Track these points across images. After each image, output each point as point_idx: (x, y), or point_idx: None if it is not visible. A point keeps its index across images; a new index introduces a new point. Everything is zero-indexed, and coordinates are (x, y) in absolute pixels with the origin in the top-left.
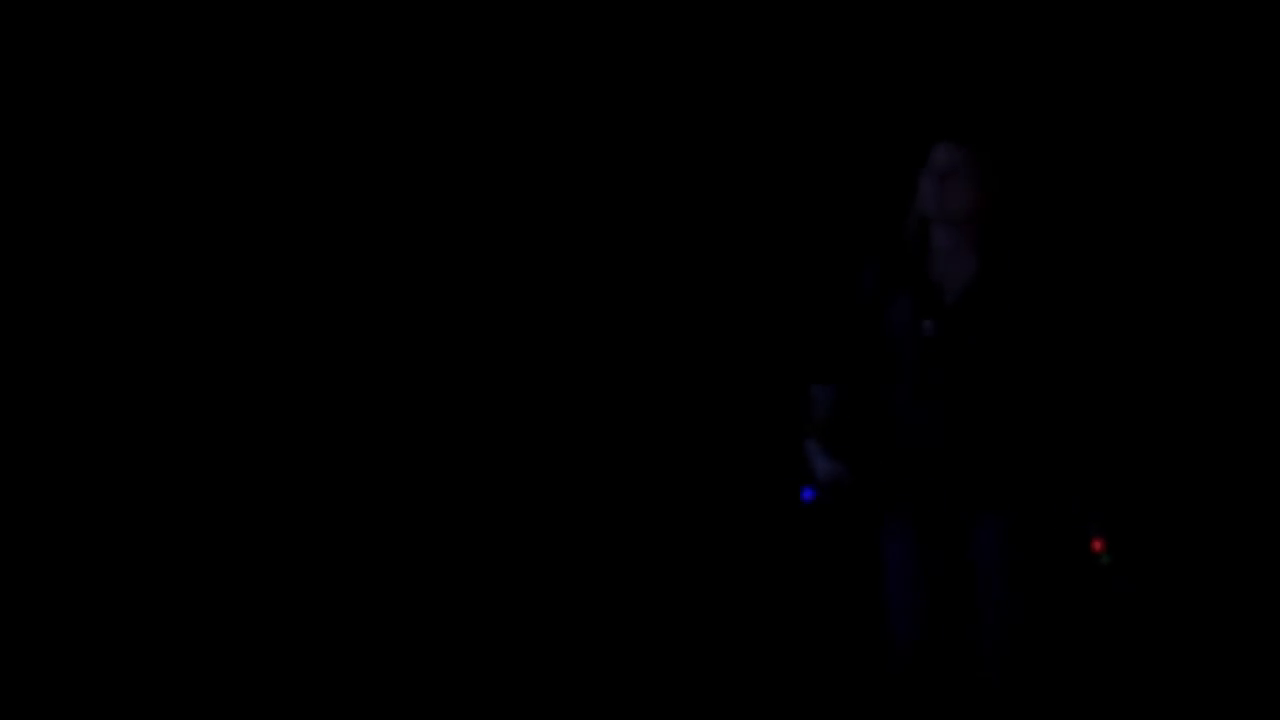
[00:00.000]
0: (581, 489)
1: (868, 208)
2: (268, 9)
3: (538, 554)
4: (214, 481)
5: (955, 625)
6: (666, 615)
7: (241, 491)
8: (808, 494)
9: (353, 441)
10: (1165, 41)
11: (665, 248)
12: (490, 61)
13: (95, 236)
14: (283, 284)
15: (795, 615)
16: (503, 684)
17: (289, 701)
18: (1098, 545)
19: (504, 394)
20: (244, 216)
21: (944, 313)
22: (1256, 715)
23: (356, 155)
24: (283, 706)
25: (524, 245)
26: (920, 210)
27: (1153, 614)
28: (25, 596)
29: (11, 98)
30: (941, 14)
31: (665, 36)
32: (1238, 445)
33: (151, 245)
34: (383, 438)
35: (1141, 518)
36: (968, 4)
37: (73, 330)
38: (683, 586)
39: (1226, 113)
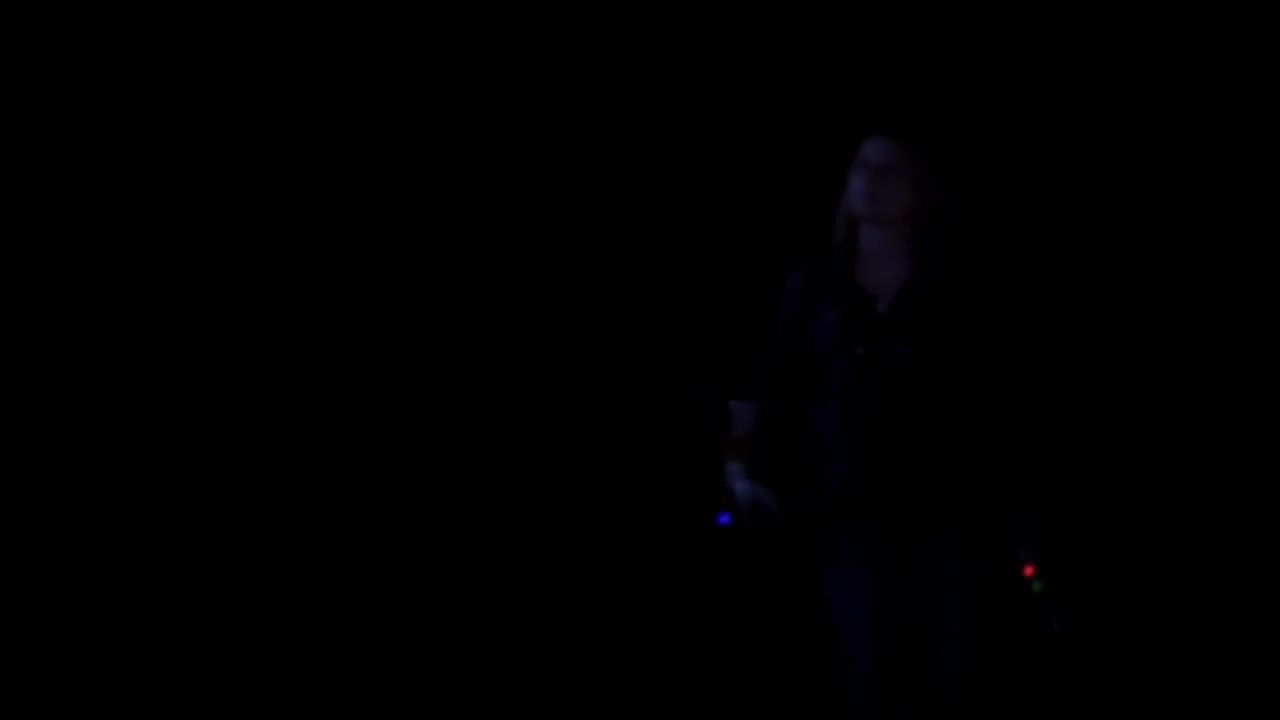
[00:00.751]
0: (477, 514)
1: (792, 206)
2: (268, 9)
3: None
4: (211, 481)
5: (912, 650)
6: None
7: (230, 491)
8: (724, 518)
9: (332, 441)
10: (1109, 42)
11: (572, 247)
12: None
13: (95, 236)
14: (260, 285)
15: (728, 648)
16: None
17: (287, 701)
18: (1029, 571)
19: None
20: (236, 216)
21: (875, 321)
22: None
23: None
24: (281, 706)
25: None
26: (849, 210)
27: (1083, 651)
28: (25, 596)
29: (11, 98)
30: (875, 7)
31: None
32: (1185, 458)
33: (151, 245)
34: (365, 437)
35: (1080, 540)
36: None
37: (73, 330)
38: (594, 616)
39: (1178, 115)
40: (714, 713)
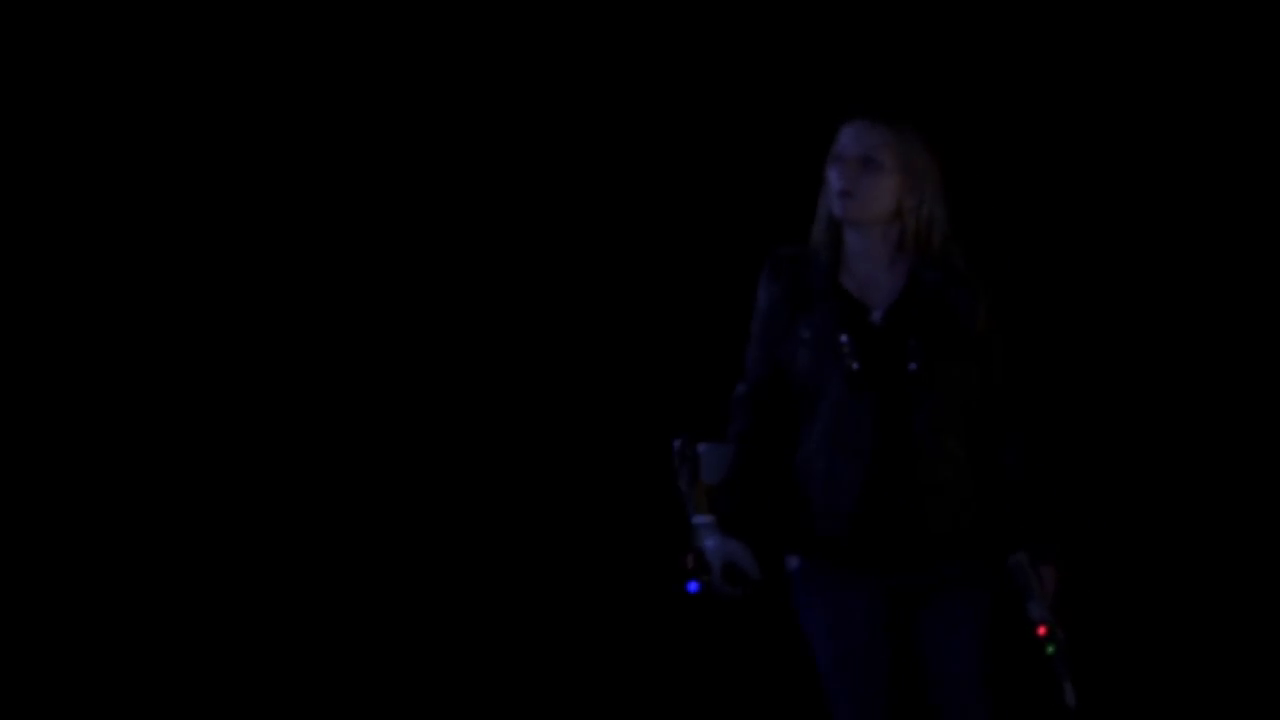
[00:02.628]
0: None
1: (764, 204)
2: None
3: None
4: (191, 480)
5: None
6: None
7: (216, 490)
8: (693, 586)
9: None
10: (1109, 38)
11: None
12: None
13: (95, 236)
14: (257, 285)
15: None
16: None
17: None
18: (1042, 630)
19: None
20: (231, 216)
21: (868, 333)
22: None
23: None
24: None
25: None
26: (828, 209)
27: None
28: (24, 596)
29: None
30: None
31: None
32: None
33: (151, 245)
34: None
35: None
36: None
37: (72, 330)
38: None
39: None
40: None
